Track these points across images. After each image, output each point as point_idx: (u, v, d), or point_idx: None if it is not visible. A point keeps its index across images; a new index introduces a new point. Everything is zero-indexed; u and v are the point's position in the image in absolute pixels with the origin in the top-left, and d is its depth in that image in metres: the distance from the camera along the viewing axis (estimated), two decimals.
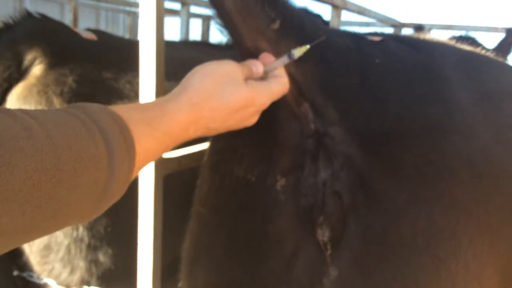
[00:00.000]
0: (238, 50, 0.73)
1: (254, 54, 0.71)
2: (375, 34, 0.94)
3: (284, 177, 0.74)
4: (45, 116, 0.47)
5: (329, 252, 0.71)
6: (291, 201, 0.75)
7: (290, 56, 0.69)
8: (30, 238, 0.47)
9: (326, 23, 2.36)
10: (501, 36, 2.61)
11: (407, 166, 0.72)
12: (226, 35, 0.72)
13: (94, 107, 0.53)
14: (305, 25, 0.71)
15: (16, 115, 0.44)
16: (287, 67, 0.72)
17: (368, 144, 0.72)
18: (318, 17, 2.59)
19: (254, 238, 0.79)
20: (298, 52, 0.69)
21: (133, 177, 0.55)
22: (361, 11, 2.21)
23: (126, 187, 0.55)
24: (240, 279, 0.80)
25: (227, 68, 0.67)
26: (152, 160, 0.62)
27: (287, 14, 0.68)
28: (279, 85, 0.70)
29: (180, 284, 0.92)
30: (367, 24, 3.43)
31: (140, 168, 0.58)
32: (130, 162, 0.53)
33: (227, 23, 0.70)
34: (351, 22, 3.63)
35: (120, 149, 0.51)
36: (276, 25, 0.66)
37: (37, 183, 0.42)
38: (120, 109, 0.55)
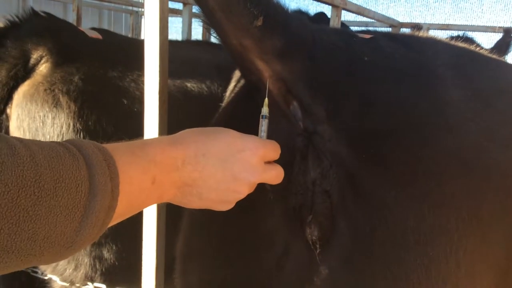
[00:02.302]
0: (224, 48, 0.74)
1: (240, 52, 0.71)
2: (367, 31, 0.94)
3: None
4: (31, 141, 0.48)
5: (318, 251, 0.71)
6: (280, 200, 0.75)
7: (264, 118, 0.72)
8: (6, 262, 0.44)
9: (327, 20, 2.37)
10: (499, 36, 2.62)
11: (396, 163, 0.72)
12: (213, 33, 0.73)
13: (81, 140, 0.54)
14: (291, 22, 0.71)
15: (2, 135, 0.45)
16: (273, 65, 0.72)
17: (357, 142, 0.72)
18: (322, 14, 2.61)
19: (244, 237, 0.79)
20: (264, 110, 0.72)
21: (117, 205, 0.54)
22: (360, 11, 2.23)
23: (111, 214, 0.54)
24: (232, 277, 0.80)
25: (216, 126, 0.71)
26: (141, 193, 0.59)
27: (271, 11, 0.67)
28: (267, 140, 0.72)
29: (175, 282, 0.93)
30: (366, 24, 3.45)
31: (129, 199, 0.57)
32: (114, 189, 0.53)
33: (212, 21, 0.70)
34: (350, 21, 3.65)
35: (103, 174, 0.51)
36: (259, 22, 0.66)
37: (16, 198, 0.42)
38: (107, 144, 0.57)
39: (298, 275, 0.74)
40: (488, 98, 0.84)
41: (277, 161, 0.72)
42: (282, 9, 0.70)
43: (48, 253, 0.47)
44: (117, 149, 0.56)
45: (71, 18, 4.29)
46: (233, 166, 0.66)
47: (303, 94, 0.73)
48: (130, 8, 5.99)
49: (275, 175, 0.70)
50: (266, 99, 0.72)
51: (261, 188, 0.75)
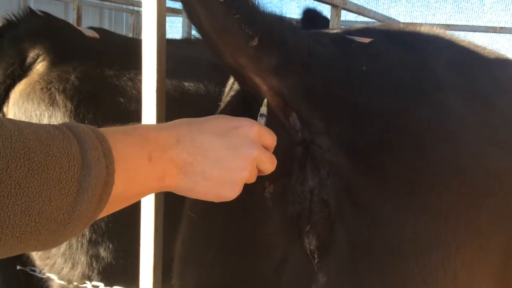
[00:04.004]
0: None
1: (236, 69, 0.71)
2: (367, 31, 0.92)
3: (273, 184, 0.74)
4: (18, 120, 0.48)
5: (316, 260, 0.71)
6: (278, 209, 0.74)
7: (262, 116, 0.72)
8: (1, 239, 0.43)
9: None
10: (500, 36, 2.61)
11: (394, 175, 0.71)
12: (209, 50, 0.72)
13: (71, 122, 0.54)
14: (286, 38, 0.70)
15: None
16: (270, 81, 0.72)
17: (355, 153, 0.72)
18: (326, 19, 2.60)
19: (243, 244, 0.79)
20: (263, 109, 0.72)
21: (114, 182, 0.53)
22: (360, 11, 2.22)
23: (109, 191, 0.52)
24: (229, 283, 0.80)
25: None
26: (139, 171, 0.58)
27: (266, 30, 0.67)
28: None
29: (172, 283, 0.93)
30: (367, 24, 3.44)
31: (127, 176, 0.56)
32: (109, 165, 0.52)
33: (207, 41, 0.69)
34: (351, 21, 3.65)
35: (95, 149, 0.51)
36: (255, 42, 0.65)
37: (5, 169, 0.42)
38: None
39: (296, 283, 0.74)
40: (489, 98, 0.83)
41: (276, 170, 0.72)
42: (277, 26, 0.70)
43: (45, 231, 0.46)
44: (108, 130, 0.56)
45: (72, 18, 4.31)
46: (231, 140, 0.65)
47: (301, 107, 0.73)
48: (131, 7, 6.01)
49: (270, 159, 0.69)
50: (266, 100, 0.72)
51: (260, 195, 0.75)
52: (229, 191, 0.66)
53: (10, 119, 0.46)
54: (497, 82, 0.88)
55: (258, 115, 0.72)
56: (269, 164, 0.69)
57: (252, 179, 0.68)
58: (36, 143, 0.45)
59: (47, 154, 0.46)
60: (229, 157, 0.65)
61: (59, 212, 0.47)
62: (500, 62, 0.96)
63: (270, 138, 0.70)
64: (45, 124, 0.50)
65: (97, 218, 0.54)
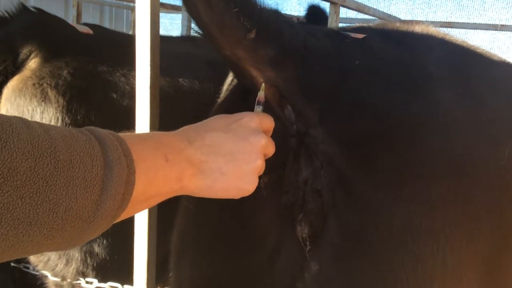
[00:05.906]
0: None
1: (233, 61, 0.73)
2: (362, 29, 0.94)
3: (267, 174, 0.76)
4: (43, 122, 0.50)
5: (308, 248, 0.73)
6: (273, 198, 0.76)
7: (259, 103, 0.74)
8: (30, 236, 0.44)
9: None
10: (501, 34, 2.59)
11: (385, 165, 0.73)
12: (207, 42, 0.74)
13: (91, 126, 0.56)
14: (283, 31, 0.73)
15: (14, 115, 0.47)
16: (267, 73, 0.74)
17: (348, 144, 0.74)
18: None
19: (238, 233, 0.80)
20: (260, 93, 0.74)
21: (135, 181, 0.55)
22: (360, 8, 2.21)
23: (131, 190, 0.54)
24: (225, 272, 0.82)
25: None
26: (158, 171, 0.60)
27: (263, 23, 0.69)
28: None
29: (170, 274, 0.94)
30: (368, 22, 3.42)
31: (147, 176, 0.57)
32: (130, 165, 0.54)
33: (206, 34, 0.71)
34: (352, 19, 3.63)
35: (116, 150, 0.53)
36: (252, 35, 0.68)
37: (33, 167, 0.44)
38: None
39: (289, 271, 0.75)
40: (480, 95, 0.83)
41: (271, 160, 0.73)
42: (274, 19, 0.72)
43: (71, 228, 0.48)
44: (124, 134, 0.59)
45: (72, 14, 4.30)
46: (237, 132, 0.68)
47: (296, 99, 0.75)
48: (132, 4, 5.99)
49: (272, 143, 0.72)
50: (263, 84, 0.74)
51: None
52: (248, 183, 0.68)
53: (37, 122, 0.48)
54: (489, 80, 0.89)
55: (256, 101, 0.74)
56: (271, 148, 0.72)
57: (263, 168, 0.70)
58: (61, 143, 0.47)
59: (71, 153, 0.48)
60: (240, 148, 0.67)
61: (85, 210, 0.49)
62: (492, 62, 0.97)
63: (269, 122, 0.73)
64: (68, 128, 0.52)
65: (120, 219, 0.56)
